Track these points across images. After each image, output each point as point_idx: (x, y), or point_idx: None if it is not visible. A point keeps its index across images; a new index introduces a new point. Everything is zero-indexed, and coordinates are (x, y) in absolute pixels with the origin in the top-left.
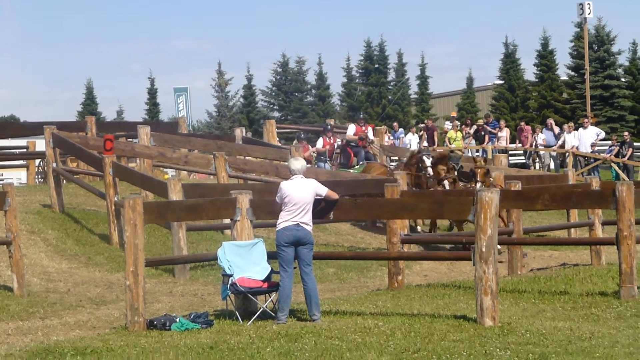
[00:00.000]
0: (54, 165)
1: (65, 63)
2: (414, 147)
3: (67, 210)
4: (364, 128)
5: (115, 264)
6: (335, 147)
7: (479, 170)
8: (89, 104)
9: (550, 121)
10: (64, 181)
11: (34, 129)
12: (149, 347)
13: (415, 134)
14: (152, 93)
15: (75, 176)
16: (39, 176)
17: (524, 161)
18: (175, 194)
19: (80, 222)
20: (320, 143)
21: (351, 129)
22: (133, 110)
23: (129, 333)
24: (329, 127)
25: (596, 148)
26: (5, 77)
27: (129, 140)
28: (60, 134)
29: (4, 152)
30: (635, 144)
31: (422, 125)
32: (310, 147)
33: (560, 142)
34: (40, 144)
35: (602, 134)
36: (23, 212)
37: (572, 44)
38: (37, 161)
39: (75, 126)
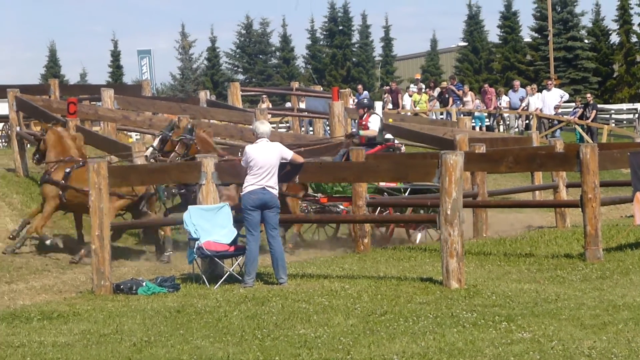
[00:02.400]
0: (18, 129)
1: (26, 22)
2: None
3: (31, 174)
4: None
5: None
6: None
7: None
8: (52, 66)
9: (517, 83)
10: (28, 145)
11: None
12: (116, 311)
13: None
14: (116, 55)
15: None
16: (3, 140)
17: (488, 124)
18: (140, 158)
19: None
20: None
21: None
22: (96, 72)
23: (96, 297)
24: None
25: (560, 110)
26: None
27: (92, 103)
28: (24, 97)
29: None
30: (598, 105)
31: (386, 87)
32: None
33: (524, 104)
34: (2, 108)
35: (566, 96)
36: None
37: (536, 5)
38: (0, 125)
39: (38, 89)
